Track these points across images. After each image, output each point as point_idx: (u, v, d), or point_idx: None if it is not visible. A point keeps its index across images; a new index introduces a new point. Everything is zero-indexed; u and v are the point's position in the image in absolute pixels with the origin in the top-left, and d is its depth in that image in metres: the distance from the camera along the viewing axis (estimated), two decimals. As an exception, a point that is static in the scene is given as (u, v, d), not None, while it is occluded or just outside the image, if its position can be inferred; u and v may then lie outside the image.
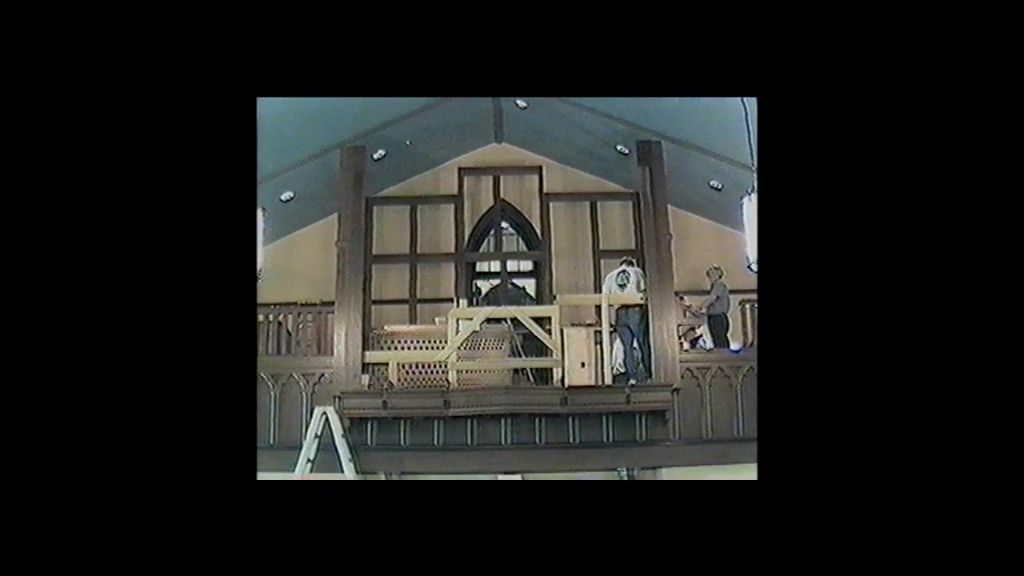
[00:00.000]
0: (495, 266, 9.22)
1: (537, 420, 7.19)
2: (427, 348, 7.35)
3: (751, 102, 5.09)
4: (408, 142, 8.49)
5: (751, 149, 4.99)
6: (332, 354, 7.48)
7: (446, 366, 7.24)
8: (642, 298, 7.39)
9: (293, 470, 6.71)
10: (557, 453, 7.19)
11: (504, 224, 9.12)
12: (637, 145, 8.09)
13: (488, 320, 7.45)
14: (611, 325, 7.29)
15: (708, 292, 7.80)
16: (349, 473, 6.77)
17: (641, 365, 7.28)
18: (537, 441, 7.22)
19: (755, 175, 4.76)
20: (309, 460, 6.78)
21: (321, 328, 7.81)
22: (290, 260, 8.72)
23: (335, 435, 6.80)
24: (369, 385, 7.31)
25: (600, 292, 7.78)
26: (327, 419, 6.88)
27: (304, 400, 7.38)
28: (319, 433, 6.84)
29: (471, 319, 7.41)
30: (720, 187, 8.27)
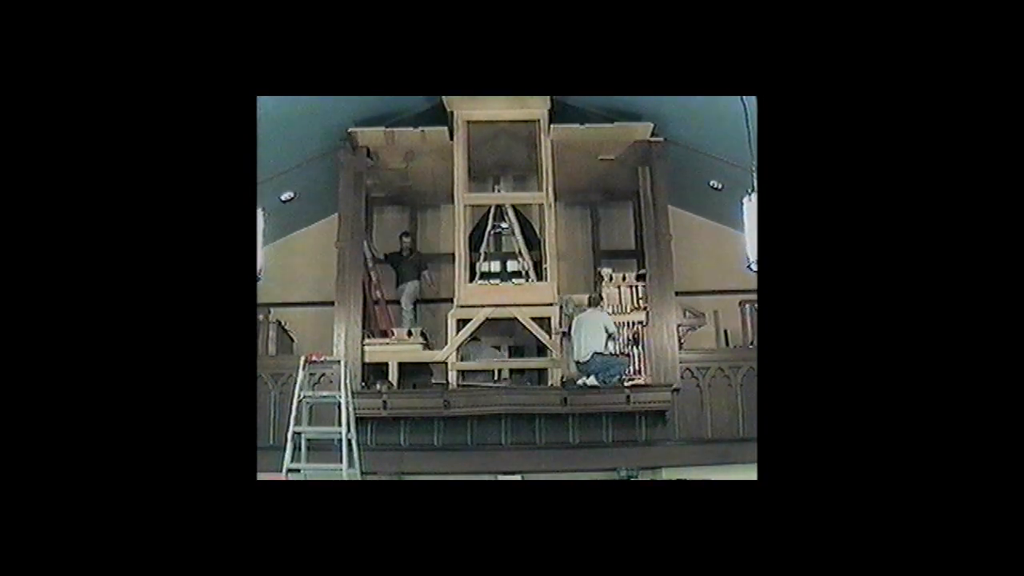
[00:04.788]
0: (495, 266, 9.22)
1: (537, 420, 7.19)
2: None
3: (751, 102, 5.10)
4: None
5: (751, 149, 4.99)
6: (332, 354, 7.49)
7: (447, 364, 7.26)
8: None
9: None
10: (557, 453, 7.19)
11: (504, 224, 9.12)
12: (637, 145, 8.09)
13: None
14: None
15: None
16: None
17: None
18: (537, 441, 7.22)
19: (755, 175, 4.76)
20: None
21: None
22: (290, 260, 8.72)
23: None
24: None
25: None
26: None
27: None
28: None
29: (470, 320, 7.41)
30: (720, 187, 8.27)
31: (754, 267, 5.17)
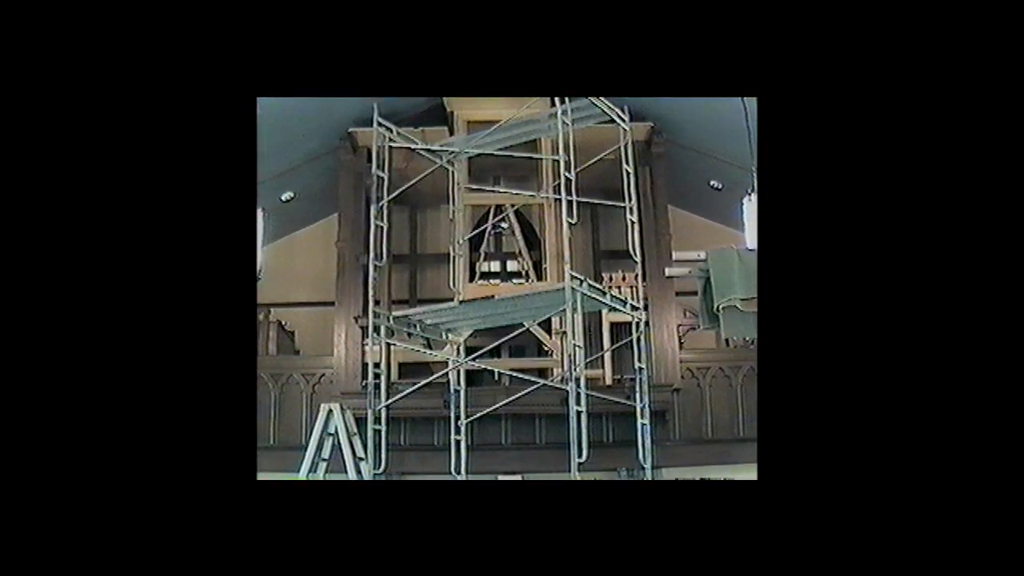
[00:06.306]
0: (495, 266, 9.24)
1: (537, 420, 7.18)
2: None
3: (751, 102, 5.10)
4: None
5: (751, 149, 5.00)
6: (332, 354, 7.49)
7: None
8: None
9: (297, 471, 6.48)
10: (557, 453, 7.19)
11: (504, 224, 9.12)
12: (637, 145, 8.09)
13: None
14: None
15: None
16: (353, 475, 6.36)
17: None
18: (537, 441, 7.21)
19: (755, 175, 4.77)
20: (324, 460, 6.22)
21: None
22: (290, 260, 8.73)
23: (340, 435, 6.31)
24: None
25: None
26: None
27: (304, 400, 7.40)
28: (332, 432, 6.27)
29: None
30: (720, 187, 8.27)
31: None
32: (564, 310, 5.33)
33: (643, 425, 5.48)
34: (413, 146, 6.28)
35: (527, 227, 9.11)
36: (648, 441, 5.55)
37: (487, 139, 6.10)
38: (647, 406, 5.55)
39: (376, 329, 5.74)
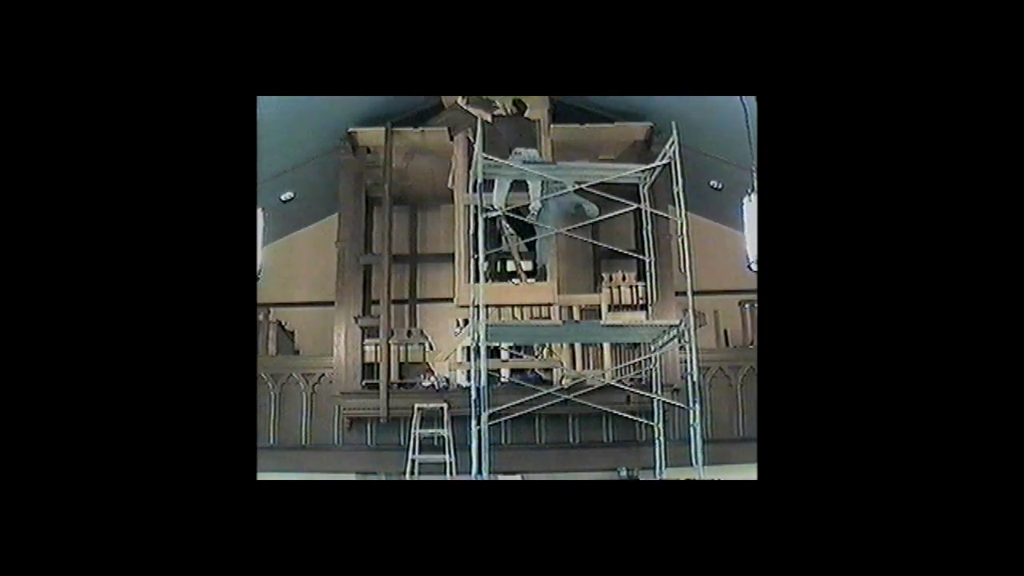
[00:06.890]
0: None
1: (537, 420, 7.18)
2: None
3: (751, 102, 5.10)
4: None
5: (751, 149, 5.00)
6: (332, 354, 7.49)
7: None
8: None
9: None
10: (557, 453, 7.19)
11: (504, 224, 9.11)
12: (637, 145, 8.09)
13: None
14: None
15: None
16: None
17: None
18: (537, 441, 7.21)
19: (755, 175, 4.77)
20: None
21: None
22: (290, 260, 8.73)
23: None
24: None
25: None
26: None
27: (304, 400, 7.40)
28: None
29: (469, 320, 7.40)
30: (720, 187, 8.26)
31: (754, 267, 5.19)
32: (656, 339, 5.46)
33: (693, 427, 5.60)
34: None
35: (527, 227, 9.09)
36: (700, 443, 5.63)
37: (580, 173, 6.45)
38: (696, 408, 5.64)
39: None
